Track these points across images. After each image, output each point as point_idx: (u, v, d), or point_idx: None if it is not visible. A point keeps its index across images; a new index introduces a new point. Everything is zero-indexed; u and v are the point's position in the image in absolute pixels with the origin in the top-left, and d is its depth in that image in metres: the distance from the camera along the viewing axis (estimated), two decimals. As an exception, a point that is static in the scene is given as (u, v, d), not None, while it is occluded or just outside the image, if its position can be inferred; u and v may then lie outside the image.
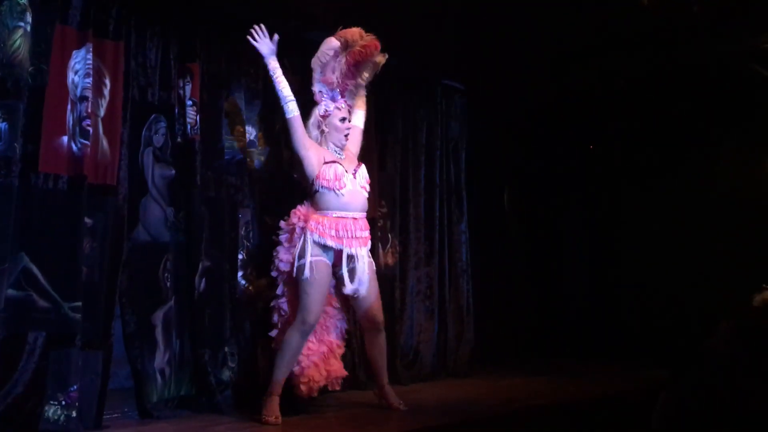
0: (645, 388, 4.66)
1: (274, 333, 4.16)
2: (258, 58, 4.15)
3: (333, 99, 4.17)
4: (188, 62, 4.26)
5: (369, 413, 4.16)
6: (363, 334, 4.35)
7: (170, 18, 4.22)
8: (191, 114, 4.22)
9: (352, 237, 4.03)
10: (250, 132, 4.59)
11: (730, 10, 4.97)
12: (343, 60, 4.07)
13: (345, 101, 4.23)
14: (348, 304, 4.31)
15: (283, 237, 4.13)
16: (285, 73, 4.15)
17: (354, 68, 4.13)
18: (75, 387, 3.50)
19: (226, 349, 4.25)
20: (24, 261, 3.49)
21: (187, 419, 3.92)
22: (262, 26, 4.02)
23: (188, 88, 4.23)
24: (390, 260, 5.43)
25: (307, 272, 3.92)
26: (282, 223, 4.18)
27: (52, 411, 3.45)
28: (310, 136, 4.13)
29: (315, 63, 4.11)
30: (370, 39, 4.07)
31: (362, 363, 4.93)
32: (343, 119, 4.17)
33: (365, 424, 3.90)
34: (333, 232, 3.99)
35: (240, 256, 4.45)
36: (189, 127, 4.22)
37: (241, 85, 4.56)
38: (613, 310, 6.88)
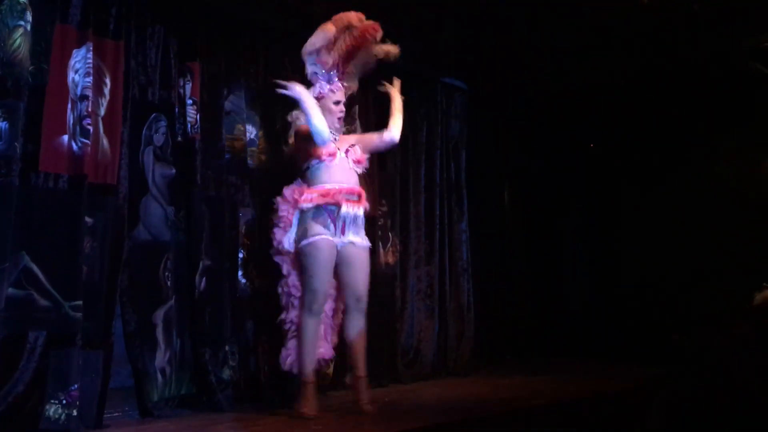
0: (645, 388, 4.66)
1: (283, 315, 4.08)
2: (258, 57, 4.14)
3: (329, 81, 4.08)
4: (188, 61, 4.26)
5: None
6: (345, 316, 4.14)
7: (170, 17, 4.22)
8: (191, 113, 4.22)
9: (343, 196, 3.97)
10: (251, 131, 4.59)
11: (730, 9, 4.97)
12: (342, 42, 4.01)
13: (342, 83, 4.14)
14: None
15: (279, 215, 4.05)
16: (285, 73, 4.14)
17: (352, 50, 4.06)
18: (75, 386, 3.50)
19: (227, 348, 4.25)
20: (24, 260, 3.49)
21: (188, 418, 3.92)
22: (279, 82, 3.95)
23: (188, 87, 4.23)
24: (390, 259, 5.43)
25: (307, 254, 3.90)
26: (278, 199, 4.09)
27: (52, 410, 3.45)
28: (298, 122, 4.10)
29: (309, 47, 4.00)
30: (369, 23, 4.00)
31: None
32: (337, 102, 4.10)
33: (364, 422, 3.89)
34: (328, 198, 3.95)
35: (240, 255, 4.45)
36: (189, 126, 4.22)
37: (241, 84, 4.55)
38: (613, 309, 6.88)
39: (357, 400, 4.03)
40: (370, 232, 5.21)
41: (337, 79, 4.11)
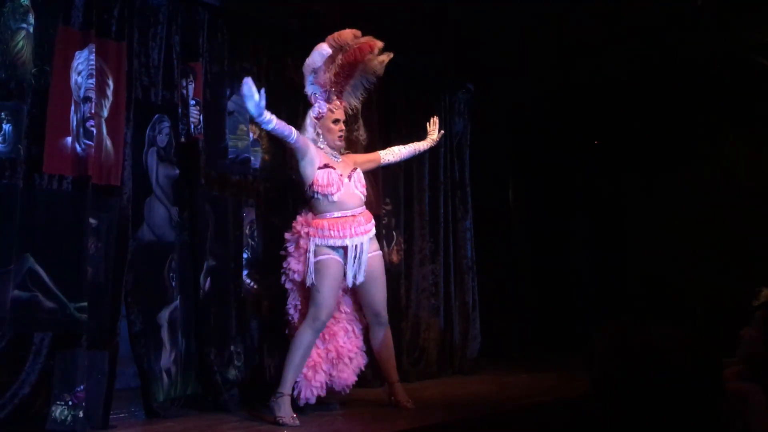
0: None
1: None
2: (260, 56, 4.14)
3: (327, 100, 4.09)
4: (191, 62, 4.26)
5: (375, 411, 4.16)
6: (369, 331, 4.28)
7: (173, 17, 4.22)
8: (194, 113, 4.22)
9: (352, 229, 3.99)
10: (254, 131, 4.59)
11: (734, 4, 4.95)
12: (338, 61, 4.02)
13: (341, 101, 4.15)
14: (358, 303, 4.26)
15: (290, 247, 4.05)
16: (287, 72, 4.13)
17: (349, 68, 4.07)
18: (81, 387, 3.50)
19: (232, 347, 4.25)
20: (29, 262, 3.50)
21: (194, 418, 3.92)
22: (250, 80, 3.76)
23: (191, 87, 4.24)
24: (395, 258, 5.43)
25: (316, 271, 3.89)
26: (287, 235, 4.10)
27: (58, 411, 3.45)
28: (306, 136, 4.08)
29: (307, 68, 4.03)
30: (365, 39, 4.01)
31: (370, 361, 4.93)
32: (336, 121, 4.10)
33: (371, 421, 3.90)
34: (334, 232, 3.95)
35: (245, 255, 4.45)
36: (192, 126, 4.22)
37: (243, 84, 4.54)
38: (619, 305, 6.87)
39: (397, 403, 4.15)
40: (375, 230, 5.22)
41: (335, 98, 4.11)
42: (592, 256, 7.40)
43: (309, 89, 4.09)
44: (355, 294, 4.20)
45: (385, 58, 4.15)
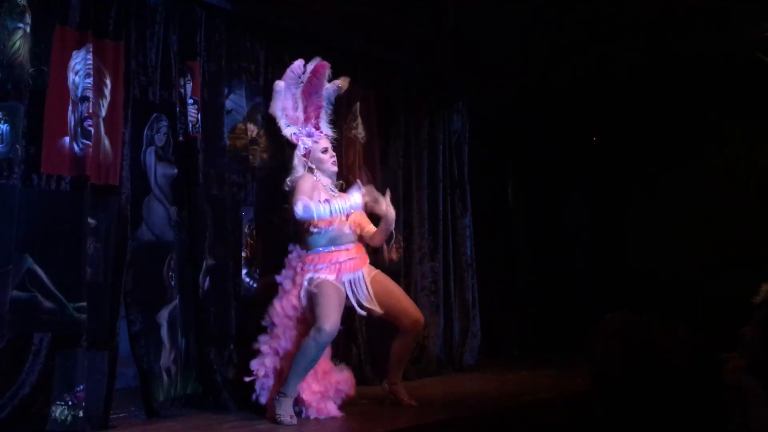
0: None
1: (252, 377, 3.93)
2: (258, 55, 4.14)
3: (309, 135, 4.11)
4: (189, 61, 4.26)
5: (376, 409, 4.16)
6: (398, 337, 4.18)
7: (170, 16, 4.22)
8: (192, 113, 4.22)
9: (347, 263, 3.99)
10: (252, 130, 4.58)
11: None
12: (299, 93, 4.06)
13: (322, 132, 4.16)
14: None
15: (286, 284, 4.02)
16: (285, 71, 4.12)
17: (314, 96, 4.11)
18: (81, 387, 3.50)
19: (232, 347, 4.25)
20: (28, 262, 3.49)
21: (194, 418, 3.92)
22: None
23: (189, 86, 4.23)
24: (394, 255, 5.43)
25: (320, 284, 3.86)
26: (278, 278, 4.06)
27: (59, 411, 3.45)
28: (297, 174, 4.09)
29: (274, 111, 4.05)
30: (316, 62, 4.04)
31: (368, 359, 4.93)
32: (324, 150, 4.10)
33: (372, 419, 3.90)
34: (328, 266, 3.94)
35: (243, 254, 4.45)
36: (191, 125, 4.21)
37: (242, 83, 4.55)
38: (620, 302, 6.86)
39: (400, 402, 4.15)
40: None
41: (315, 130, 4.13)
42: (591, 253, 7.39)
43: (286, 131, 4.10)
44: (385, 310, 4.09)
45: (343, 83, 4.20)
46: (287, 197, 4.13)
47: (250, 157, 4.55)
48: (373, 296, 3.99)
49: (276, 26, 4.75)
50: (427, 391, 4.70)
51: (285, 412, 3.72)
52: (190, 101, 4.22)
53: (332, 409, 3.96)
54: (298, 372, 3.79)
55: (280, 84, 4.03)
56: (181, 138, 4.20)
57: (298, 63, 4.03)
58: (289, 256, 4.10)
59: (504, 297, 6.53)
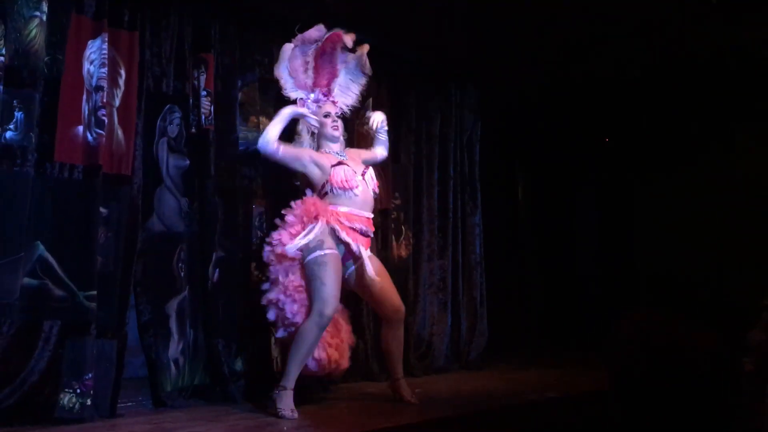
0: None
1: (279, 334, 3.95)
2: (272, 48, 4.15)
3: (315, 100, 4.12)
4: (203, 52, 4.26)
5: (381, 404, 4.15)
6: (383, 326, 4.25)
7: (185, 8, 4.22)
8: (206, 104, 4.23)
9: (362, 235, 4.00)
10: (265, 122, 4.57)
11: (749, 1, 4.91)
12: (311, 57, 4.04)
13: (330, 99, 4.16)
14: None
15: (290, 219, 3.92)
16: None
17: (325, 62, 4.09)
18: (90, 375, 3.52)
19: (240, 339, 4.26)
20: (39, 250, 3.52)
21: (201, 408, 3.93)
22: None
23: (203, 78, 4.24)
24: (403, 252, 5.42)
25: (322, 264, 3.82)
26: (289, 212, 3.97)
27: (67, 399, 3.47)
28: (302, 143, 4.10)
29: (279, 73, 4.05)
30: (333, 32, 4.03)
31: (375, 354, 4.93)
32: (326, 114, 4.10)
33: (377, 414, 3.90)
34: (348, 227, 3.93)
35: (253, 247, 4.46)
36: (203, 117, 4.22)
37: (255, 76, 4.55)
38: (627, 302, 6.85)
39: (401, 398, 4.12)
40: (384, 224, 5.22)
41: (322, 95, 4.13)
42: (600, 252, 7.37)
43: (293, 94, 4.12)
44: (369, 295, 4.18)
45: (362, 49, 4.16)
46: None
47: (262, 150, 4.55)
48: (373, 275, 3.98)
49: (289, 19, 4.74)
50: (433, 388, 4.70)
51: (286, 405, 3.72)
52: (204, 93, 4.23)
53: (344, 362, 4.03)
54: (299, 359, 3.77)
55: (288, 45, 4.02)
56: (193, 130, 4.20)
57: (317, 27, 4.01)
58: (307, 198, 4.00)
59: (512, 295, 6.52)
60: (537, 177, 7.18)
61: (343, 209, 3.96)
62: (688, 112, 6.52)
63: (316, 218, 3.90)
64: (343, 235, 3.92)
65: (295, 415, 3.70)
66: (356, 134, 5.03)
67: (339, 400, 4.26)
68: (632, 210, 7.08)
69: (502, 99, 6.49)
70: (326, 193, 3.98)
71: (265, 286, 3.98)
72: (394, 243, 5.33)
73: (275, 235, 3.95)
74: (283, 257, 3.88)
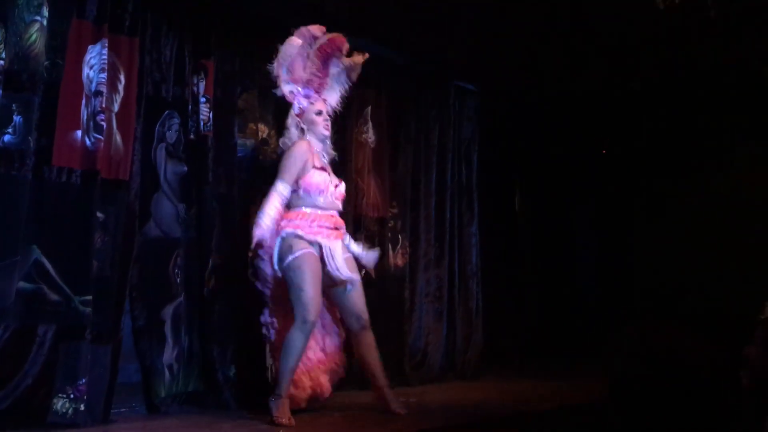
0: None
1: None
2: (272, 55, 4.14)
3: (306, 96, 4.06)
4: (203, 59, 4.28)
5: (377, 414, 4.13)
6: (348, 335, 4.16)
7: (186, 14, 4.24)
8: (204, 111, 4.23)
9: (325, 229, 3.94)
10: (263, 130, 4.60)
11: (747, 15, 4.93)
12: (312, 54, 4.00)
13: (321, 97, 4.10)
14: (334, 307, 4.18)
15: (260, 248, 3.95)
16: None
17: (323, 62, 4.05)
18: (84, 380, 3.51)
19: (235, 346, 4.25)
20: (36, 254, 3.51)
21: (195, 415, 3.92)
22: None
23: (202, 84, 4.25)
24: (400, 261, 5.42)
25: (296, 267, 3.80)
26: (255, 230, 3.88)
27: (60, 404, 3.46)
28: (290, 138, 4.06)
29: (279, 66, 4.01)
30: (334, 34, 4.01)
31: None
32: (318, 112, 4.05)
33: (372, 424, 3.88)
34: (307, 227, 3.88)
35: (250, 254, 4.44)
36: (202, 123, 4.23)
37: (254, 83, 4.56)
38: (624, 313, 6.84)
39: (388, 409, 4.03)
40: (380, 233, 5.22)
41: (314, 92, 4.09)
42: (598, 263, 7.38)
43: (286, 87, 4.05)
44: (333, 299, 4.10)
45: (358, 59, 4.13)
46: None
47: (261, 157, 4.56)
48: (342, 269, 3.93)
49: (290, 27, 4.75)
50: (427, 398, 4.68)
51: (282, 414, 3.70)
52: (203, 99, 4.24)
53: (325, 382, 4.03)
54: (289, 367, 3.77)
55: (295, 40, 3.96)
56: (192, 136, 4.21)
57: (318, 27, 4.00)
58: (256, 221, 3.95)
59: (508, 306, 6.51)
60: (535, 187, 7.18)
61: (307, 209, 3.94)
62: (687, 124, 6.55)
63: (278, 232, 3.90)
64: (310, 237, 3.88)
65: (292, 422, 3.68)
66: (354, 143, 5.04)
67: (335, 408, 4.24)
68: (630, 221, 7.09)
69: (500, 109, 6.51)
70: (295, 191, 3.95)
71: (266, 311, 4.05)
72: (391, 252, 5.33)
73: (256, 266, 4.00)
74: (267, 282, 3.98)
